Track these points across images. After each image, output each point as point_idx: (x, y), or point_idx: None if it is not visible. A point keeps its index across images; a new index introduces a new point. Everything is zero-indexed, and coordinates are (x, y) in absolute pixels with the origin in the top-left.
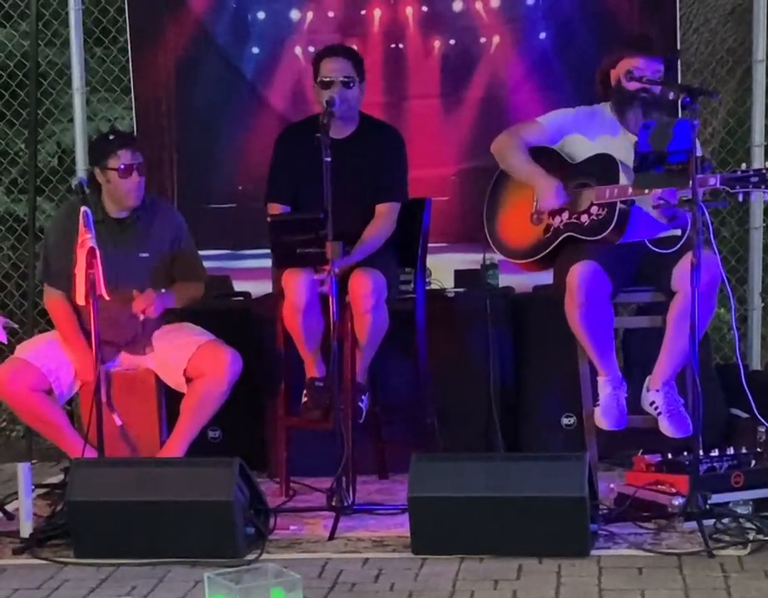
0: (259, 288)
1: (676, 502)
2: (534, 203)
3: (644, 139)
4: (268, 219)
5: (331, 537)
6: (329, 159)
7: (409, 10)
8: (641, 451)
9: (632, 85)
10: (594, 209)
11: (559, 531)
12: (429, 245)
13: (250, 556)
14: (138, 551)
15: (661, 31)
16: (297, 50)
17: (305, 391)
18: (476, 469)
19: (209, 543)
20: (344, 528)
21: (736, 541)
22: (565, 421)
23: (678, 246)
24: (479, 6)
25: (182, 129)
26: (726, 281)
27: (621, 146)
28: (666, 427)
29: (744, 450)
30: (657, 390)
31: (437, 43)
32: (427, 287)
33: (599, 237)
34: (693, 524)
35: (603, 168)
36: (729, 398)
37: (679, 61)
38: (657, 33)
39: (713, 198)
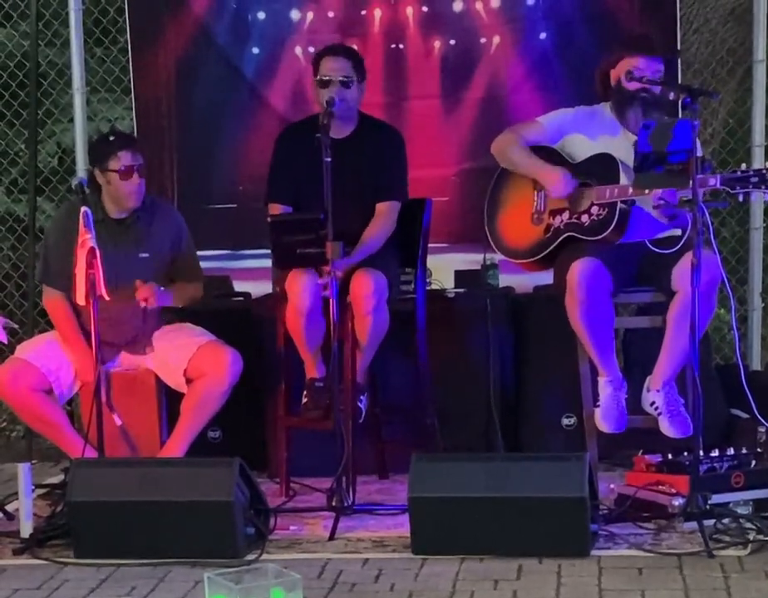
0: (259, 288)
1: (676, 503)
2: (534, 203)
3: (644, 139)
4: (269, 219)
5: (331, 538)
6: (329, 160)
7: (409, 10)
8: (641, 451)
9: (633, 85)
10: (595, 209)
11: (559, 531)
12: (429, 245)
13: (250, 557)
14: (138, 552)
15: (661, 32)
16: (298, 50)
17: (305, 392)
18: (476, 469)
19: (210, 543)
20: (344, 528)
21: (736, 541)
22: (565, 421)
23: (678, 246)
24: (479, 6)
25: (182, 130)
26: (726, 281)
27: (621, 146)
28: (666, 427)
29: (744, 450)
30: (658, 391)
31: (437, 43)
32: (427, 288)
33: (600, 237)
34: (693, 524)
35: (603, 167)
36: (729, 398)
37: (679, 61)
38: (657, 33)
39: (713, 199)
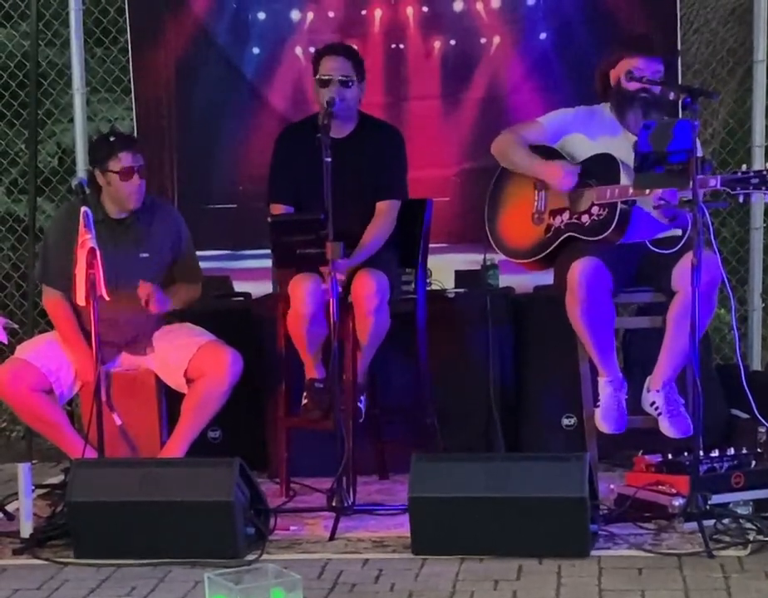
0: (260, 288)
1: (676, 503)
2: (535, 203)
3: (644, 140)
4: (269, 220)
5: (331, 538)
6: (329, 160)
7: (409, 10)
8: (641, 451)
9: (632, 86)
10: (595, 209)
11: (559, 531)
12: (429, 245)
13: (250, 557)
14: (138, 552)
15: (661, 32)
16: (298, 50)
17: (305, 392)
18: (476, 469)
19: (210, 543)
20: (344, 529)
21: (736, 541)
22: (566, 421)
23: (679, 246)
24: (479, 6)
25: (182, 130)
26: (726, 281)
27: (621, 146)
28: (666, 427)
29: (744, 451)
30: (658, 391)
31: (438, 44)
32: (427, 288)
33: (600, 237)
34: (693, 525)
35: (604, 167)
36: (729, 398)
37: (679, 62)
38: (657, 33)
39: (714, 199)
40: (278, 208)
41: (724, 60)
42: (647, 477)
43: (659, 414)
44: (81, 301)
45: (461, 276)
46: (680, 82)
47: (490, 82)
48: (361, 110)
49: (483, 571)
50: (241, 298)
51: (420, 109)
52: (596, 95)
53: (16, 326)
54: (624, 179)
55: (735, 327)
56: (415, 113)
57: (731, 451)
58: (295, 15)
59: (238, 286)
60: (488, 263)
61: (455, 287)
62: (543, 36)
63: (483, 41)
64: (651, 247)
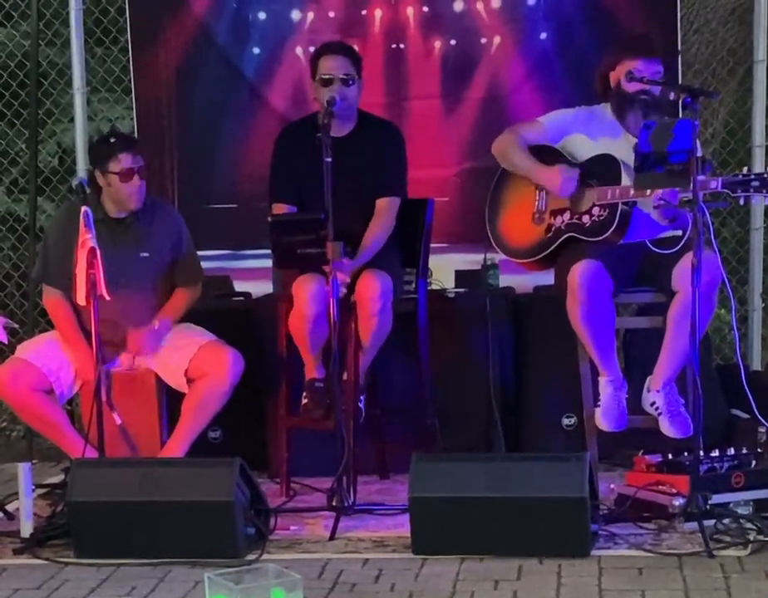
0: (260, 288)
1: (676, 503)
2: (536, 203)
3: (645, 140)
4: (269, 219)
5: (331, 538)
6: (330, 160)
7: (410, 10)
8: (641, 451)
9: (632, 87)
10: (596, 210)
11: (560, 531)
12: (430, 245)
13: (250, 557)
14: (138, 552)
15: (661, 32)
16: (298, 50)
17: (305, 392)
18: (476, 469)
19: (210, 543)
20: (344, 528)
21: (736, 541)
22: (566, 421)
23: (679, 246)
24: (480, 6)
25: (182, 130)
26: (726, 281)
27: (622, 148)
28: (666, 427)
29: (744, 451)
30: (658, 391)
31: (438, 44)
32: (428, 288)
33: (601, 238)
34: (694, 525)
35: (605, 168)
36: (729, 398)
37: (680, 62)
38: (657, 33)
39: (714, 199)
40: (280, 208)
41: (724, 60)
42: (648, 477)
43: (659, 413)
44: (81, 300)
45: (461, 276)
46: (680, 82)
47: (491, 82)
48: (360, 109)
49: (483, 570)
50: (241, 298)
51: (420, 109)
52: (596, 96)
53: (16, 326)
54: (625, 180)
55: (735, 327)
56: (415, 113)
57: (731, 451)
58: (295, 15)
59: (239, 286)
60: (488, 263)
61: (456, 287)
62: (543, 36)
63: (483, 41)
64: (651, 247)
